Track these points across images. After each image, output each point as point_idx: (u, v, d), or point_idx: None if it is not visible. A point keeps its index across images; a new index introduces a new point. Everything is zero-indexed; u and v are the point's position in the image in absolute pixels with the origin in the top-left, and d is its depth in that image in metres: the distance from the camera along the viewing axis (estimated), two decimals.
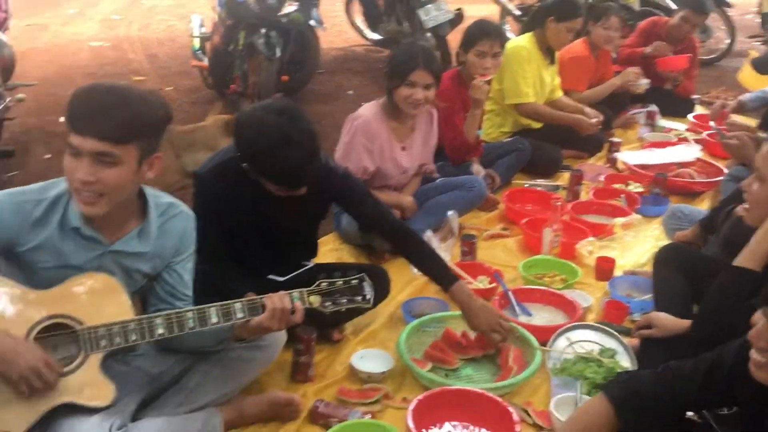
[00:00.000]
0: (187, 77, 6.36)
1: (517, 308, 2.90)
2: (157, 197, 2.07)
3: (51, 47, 7.36)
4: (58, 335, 1.87)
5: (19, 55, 4.87)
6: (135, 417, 2.02)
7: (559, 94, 4.69)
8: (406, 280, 3.15)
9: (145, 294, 2.12)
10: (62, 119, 5.06)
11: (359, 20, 7.63)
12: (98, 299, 1.91)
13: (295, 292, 2.06)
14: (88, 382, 1.86)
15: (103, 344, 1.87)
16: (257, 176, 2.33)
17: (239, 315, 1.98)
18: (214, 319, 1.96)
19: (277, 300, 2.00)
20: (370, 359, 2.56)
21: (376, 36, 7.45)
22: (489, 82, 3.80)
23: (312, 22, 5.53)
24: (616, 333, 2.64)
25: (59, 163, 1.87)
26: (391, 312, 2.91)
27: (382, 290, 2.71)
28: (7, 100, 4.23)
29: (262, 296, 2.01)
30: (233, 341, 2.11)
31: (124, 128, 1.80)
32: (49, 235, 1.90)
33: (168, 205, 2.08)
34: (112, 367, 1.98)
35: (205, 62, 5.76)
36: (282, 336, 2.30)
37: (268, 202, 2.42)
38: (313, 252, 2.83)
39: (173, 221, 2.07)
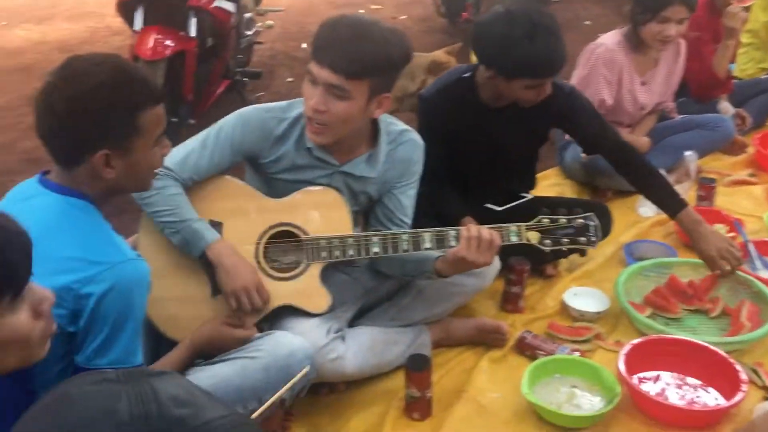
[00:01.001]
0: (420, 6, 6.40)
1: (757, 262, 2.62)
2: (390, 124, 2.10)
3: None
4: (286, 242, 2.01)
5: None
6: (350, 324, 2.15)
7: None
8: (629, 221, 2.98)
9: (368, 214, 2.20)
10: (304, 45, 5.41)
11: None
12: (324, 212, 2.02)
13: (513, 227, 2.00)
14: (307, 288, 1.99)
15: (323, 255, 1.98)
16: (508, 76, 2.27)
17: (452, 243, 1.96)
18: (428, 244, 1.97)
19: (473, 229, 1.93)
20: (582, 297, 2.48)
21: None
22: (748, 9, 3.38)
23: None
24: None
25: (300, 86, 1.96)
26: (610, 252, 2.76)
27: (603, 229, 2.56)
28: (258, 25, 4.56)
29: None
30: (437, 277, 2.05)
31: (358, 64, 1.83)
32: (287, 150, 2.03)
33: (399, 132, 2.11)
34: (335, 276, 2.11)
35: None
36: (495, 264, 2.27)
37: (490, 121, 2.40)
38: (531, 184, 2.75)
39: (401, 148, 2.11)
